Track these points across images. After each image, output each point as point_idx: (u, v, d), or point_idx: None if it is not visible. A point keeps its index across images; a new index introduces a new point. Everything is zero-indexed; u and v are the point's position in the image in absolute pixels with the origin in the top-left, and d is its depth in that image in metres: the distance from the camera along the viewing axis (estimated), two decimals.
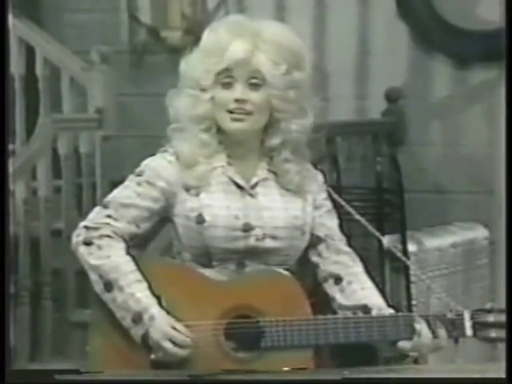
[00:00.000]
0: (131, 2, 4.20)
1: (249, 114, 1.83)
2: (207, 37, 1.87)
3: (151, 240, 1.94)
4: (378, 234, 2.07)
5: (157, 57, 4.17)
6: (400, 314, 1.81)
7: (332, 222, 1.90)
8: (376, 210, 3.31)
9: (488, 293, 3.47)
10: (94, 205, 3.72)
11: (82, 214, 3.71)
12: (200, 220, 1.84)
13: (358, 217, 2.00)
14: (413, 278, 3.13)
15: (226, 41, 1.84)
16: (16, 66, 3.91)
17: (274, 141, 1.87)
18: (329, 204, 1.92)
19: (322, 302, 1.87)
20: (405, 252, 3.19)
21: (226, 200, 1.85)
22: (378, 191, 3.39)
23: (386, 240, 3.16)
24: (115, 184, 4.47)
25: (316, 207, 1.89)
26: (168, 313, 1.79)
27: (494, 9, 3.68)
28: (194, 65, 1.88)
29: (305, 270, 1.90)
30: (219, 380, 1.73)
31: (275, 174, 1.88)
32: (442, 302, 3.24)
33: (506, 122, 2.09)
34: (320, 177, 1.93)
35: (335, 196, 1.97)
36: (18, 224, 3.44)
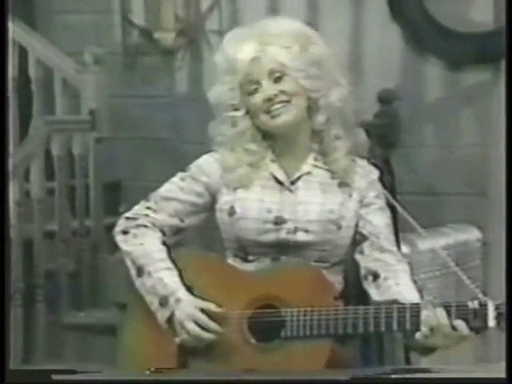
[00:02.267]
0: (124, 3, 4.19)
1: (286, 102, 1.85)
2: (217, 59, 1.91)
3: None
4: (420, 228, 2.05)
5: (150, 58, 4.17)
6: (420, 302, 1.79)
7: (379, 221, 1.89)
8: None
9: (480, 294, 3.47)
10: (87, 206, 3.77)
11: (75, 216, 3.72)
12: (231, 212, 1.87)
13: (410, 219, 1.99)
14: None
15: (232, 53, 1.87)
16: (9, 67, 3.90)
17: (320, 118, 1.88)
18: (380, 202, 1.91)
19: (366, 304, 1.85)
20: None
21: (261, 194, 1.87)
22: None
23: None
24: (108, 186, 4.48)
25: (365, 205, 1.89)
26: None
27: (487, 11, 3.69)
28: (218, 91, 1.91)
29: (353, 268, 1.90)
30: (221, 380, 1.74)
31: (321, 168, 1.88)
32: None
33: (506, 123, 2.10)
34: (374, 174, 1.92)
35: (389, 197, 1.95)
36: (11, 226, 3.43)
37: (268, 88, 1.85)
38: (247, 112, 1.88)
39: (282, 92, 1.85)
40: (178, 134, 4.09)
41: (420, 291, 1.88)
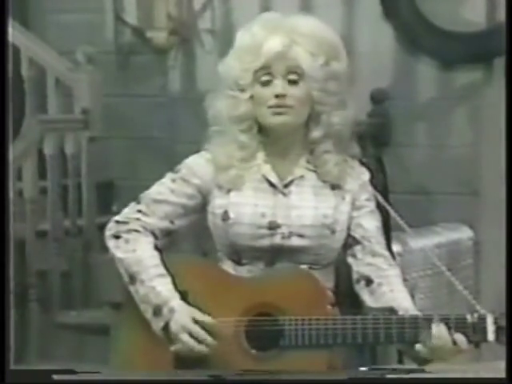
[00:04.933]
0: (117, 2, 4.19)
1: (290, 107, 1.83)
2: (242, 36, 1.88)
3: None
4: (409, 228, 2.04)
5: (143, 57, 4.17)
6: (420, 315, 1.77)
7: (371, 224, 1.88)
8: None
9: (472, 293, 3.48)
10: (79, 206, 3.77)
11: (68, 215, 3.72)
12: (225, 217, 1.85)
13: (400, 221, 1.98)
14: None
15: (261, 37, 1.84)
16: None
17: (316, 133, 1.86)
18: (371, 205, 1.89)
19: (356, 304, 1.85)
20: (390, 252, 3.20)
21: (255, 198, 1.85)
22: None
23: None
24: (101, 185, 4.47)
25: (356, 208, 1.87)
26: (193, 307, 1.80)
27: (479, 11, 3.70)
28: (231, 66, 1.87)
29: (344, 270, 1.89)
30: (231, 380, 1.73)
31: (314, 171, 1.87)
32: (428, 302, 3.26)
33: (506, 123, 2.10)
34: (365, 176, 1.91)
35: (379, 198, 1.93)
36: (4, 225, 3.42)
37: (280, 86, 1.83)
38: (251, 97, 1.85)
39: (291, 96, 1.83)
40: (171, 134, 4.08)
41: (412, 290, 1.88)
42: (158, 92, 4.14)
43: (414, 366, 1.77)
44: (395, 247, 3.23)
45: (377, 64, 3.78)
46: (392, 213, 1.97)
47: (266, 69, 1.84)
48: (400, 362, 2.98)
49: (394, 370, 1.75)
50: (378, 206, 1.93)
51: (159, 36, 4.09)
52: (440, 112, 3.77)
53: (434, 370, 1.74)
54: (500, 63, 3.65)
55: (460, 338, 1.73)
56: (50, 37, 4.19)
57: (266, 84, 1.84)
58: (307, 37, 1.84)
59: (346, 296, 1.88)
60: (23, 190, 3.57)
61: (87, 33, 4.16)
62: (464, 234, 3.61)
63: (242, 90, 1.86)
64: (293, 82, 1.83)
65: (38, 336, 3.54)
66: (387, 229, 2.47)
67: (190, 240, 2.23)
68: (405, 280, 1.89)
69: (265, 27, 1.85)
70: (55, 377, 1.70)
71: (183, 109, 3.99)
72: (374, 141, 3.76)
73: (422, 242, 3.37)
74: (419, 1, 3.75)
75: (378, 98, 3.77)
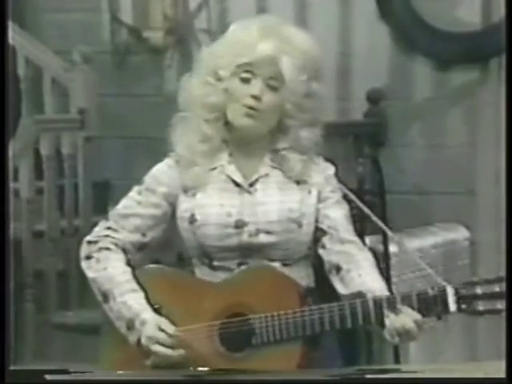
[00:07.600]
0: (113, 2, 4.19)
1: (261, 112, 1.84)
2: (236, 30, 1.88)
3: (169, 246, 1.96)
4: (386, 228, 2.07)
5: (139, 57, 4.17)
6: (383, 296, 1.78)
7: (337, 213, 1.88)
8: (357, 211, 3.32)
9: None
10: (76, 206, 3.77)
11: (64, 215, 3.72)
12: (192, 220, 1.86)
13: (367, 211, 2.00)
14: (394, 279, 3.14)
15: (255, 37, 1.84)
16: None
17: (282, 145, 1.89)
18: (336, 196, 1.91)
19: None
20: (386, 253, 3.21)
21: (221, 198, 1.85)
22: (360, 192, 3.40)
23: (368, 241, 3.18)
24: (97, 185, 4.46)
25: (322, 200, 1.88)
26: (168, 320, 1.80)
27: (475, 11, 3.71)
28: (216, 54, 1.87)
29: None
30: (215, 380, 1.74)
31: (278, 168, 1.88)
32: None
33: (506, 123, 2.10)
34: (330, 170, 1.93)
35: (346, 191, 1.95)
36: None
37: (258, 87, 1.83)
38: (226, 90, 1.85)
39: (266, 101, 1.83)
40: (167, 133, 4.08)
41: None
42: (154, 92, 4.14)
43: (406, 367, 1.77)
44: (392, 247, 3.24)
45: (373, 64, 3.79)
46: (363, 208, 1.98)
47: (249, 66, 1.84)
48: (396, 359, 2.98)
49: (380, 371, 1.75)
50: (347, 199, 1.95)
51: (155, 36, 4.09)
52: (436, 112, 3.78)
53: (433, 370, 1.74)
54: (495, 63, 3.66)
55: (406, 309, 1.74)
56: (46, 36, 4.19)
57: (245, 81, 1.84)
58: (298, 51, 1.84)
59: (329, 289, 1.88)
60: (20, 190, 3.56)
61: (83, 32, 4.16)
62: (460, 234, 3.61)
63: (219, 80, 1.86)
64: (271, 89, 1.84)
65: (34, 336, 3.54)
66: (384, 232, 2.48)
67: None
68: (402, 280, 1.89)
69: (262, 29, 1.85)
70: (48, 377, 1.70)
71: (179, 109, 3.98)
72: (370, 141, 3.76)
73: (418, 242, 3.37)
74: (415, 1, 3.76)
75: (373, 98, 3.78)
